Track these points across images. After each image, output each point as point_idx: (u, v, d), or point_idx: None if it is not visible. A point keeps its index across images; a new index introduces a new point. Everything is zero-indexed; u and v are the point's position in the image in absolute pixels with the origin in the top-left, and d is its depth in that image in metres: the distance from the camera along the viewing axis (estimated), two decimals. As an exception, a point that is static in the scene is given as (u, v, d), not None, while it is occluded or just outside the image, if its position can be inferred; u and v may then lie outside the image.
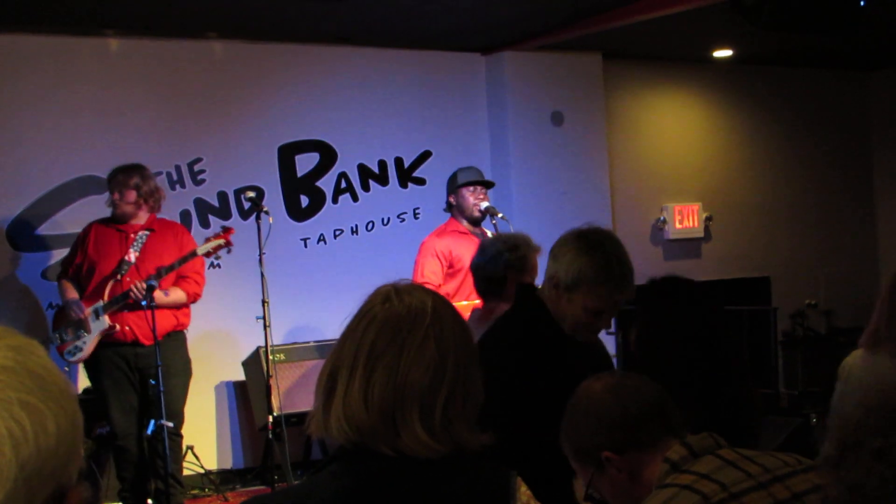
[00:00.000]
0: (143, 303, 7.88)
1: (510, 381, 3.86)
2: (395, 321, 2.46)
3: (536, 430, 3.58)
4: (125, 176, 8.21)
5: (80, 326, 8.09)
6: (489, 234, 8.30)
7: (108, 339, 8.07)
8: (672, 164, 12.26)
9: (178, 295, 8.20)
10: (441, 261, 8.24)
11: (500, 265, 5.73)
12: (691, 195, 12.32)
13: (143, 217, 8.28)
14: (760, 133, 12.88)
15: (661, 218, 12.11)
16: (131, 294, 7.93)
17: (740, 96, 12.74)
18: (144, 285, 7.89)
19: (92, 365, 8.26)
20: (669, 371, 3.34)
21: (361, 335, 2.46)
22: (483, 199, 8.46)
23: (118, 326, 8.04)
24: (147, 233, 8.23)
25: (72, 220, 8.96)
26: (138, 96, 9.57)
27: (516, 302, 4.39)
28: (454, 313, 2.54)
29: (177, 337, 8.30)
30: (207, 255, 8.14)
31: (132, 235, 8.21)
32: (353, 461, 2.42)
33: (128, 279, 8.07)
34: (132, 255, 8.14)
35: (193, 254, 8.07)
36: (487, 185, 8.69)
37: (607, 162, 11.46)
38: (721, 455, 2.87)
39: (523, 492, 2.48)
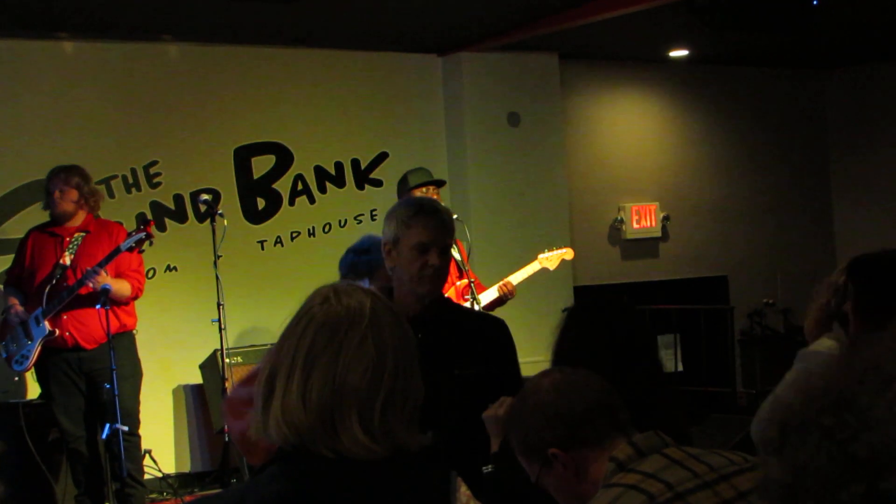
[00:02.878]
0: (98, 305, 7.84)
1: None
2: (334, 322, 2.45)
3: None
4: (66, 174, 8.17)
5: (24, 335, 8.06)
6: None
7: (51, 344, 8.03)
8: (629, 164, 12.28)
9: (123, 285, 8.14)
10: None
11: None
12: (648, 195, 12.35)
13: (79, 219, 8.23)
14: (717, 132, 12.93)
15: (619, 218, 12.14)
16: (88, 282, 7.87)
17: (697, 96, 12.79)
18: (97, 279, 7.84)
19: (39, 371, 8.23)
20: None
21: (299, 336, 2.45)
22: (437, 199, 8.44)
23: (58, 332, 8.00)
24: (82, 235, 8.19)
25: (23, 225, 8.89)
26: (92, 99, 9.53)
27: None
28: (393, 314, 2.53)
29: (123, 338, 8.23)
30: (131, 249, 8.07)
31: (67, 238, 8.17)
32: (292, 463, 2.40)
33: (64, 284, 8.03)
34: (67, 258, 8.10)
35: (117, 250, 7.99)
36: (438, 183, 8.67)
37: (564, 162, 11.48)
38: (667, 454, 2.86)
39: (463, 492, 2.48)
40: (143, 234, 7.99)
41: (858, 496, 1.24)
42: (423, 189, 8.47)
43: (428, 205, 4.36)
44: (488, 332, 4.48)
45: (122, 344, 8.17)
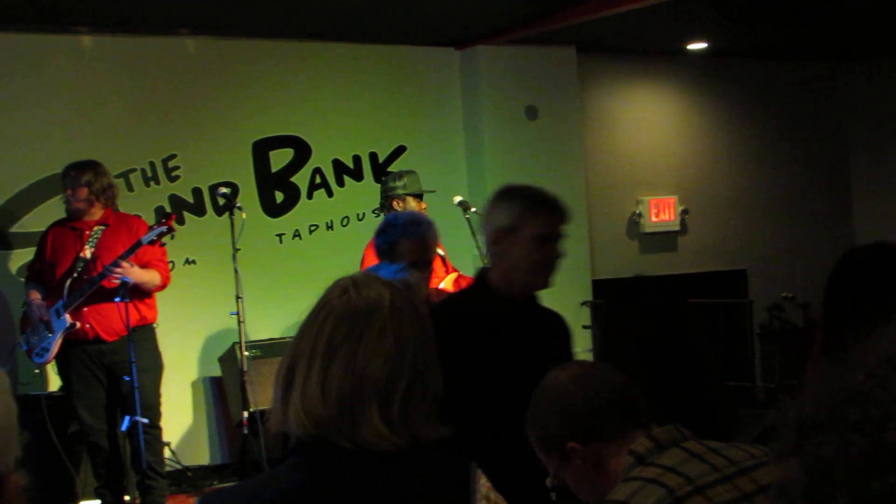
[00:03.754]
0: (118, 298, 7.86)
1: None
2: (353, 313, 2.45)
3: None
4: (77, 173, 8.21)
5: (45, 328, 8.08)
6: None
7: (71, 336, 8.06)
8: (648, 158, 12.26)
9: (153, 275, 8.18)
10: None
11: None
12: (667, 188, 12.33)
13: (97, 213, 8.26)
14: (736, 126, 12.90)
15: (637, 211, 12.12)
16: (111, 274, 7.90)
17: (715, 89, 12.75)
18: (118, 273, 7.88)
19: (60, 364, 8.25)
20: (634, 374, 3.32)
21: (319, 328, 2.46)
22: (425, 207, 8.49)
23: (79, 324, 8.02)
24: (102, 228, 8.21)
25: (44, 218, 8.92)
26: (112, 94, 9.55)
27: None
28: (413, 305, 2.53)
29: (143, 331, 8.26)
30: (152, 243, 8.09)
31: (87, 232, 8.20)
32: (311, 454, 2.41)
33: (85, 277, 8.06)
34: (87, 252, 8.13)
35: (138, 243, 8.02)
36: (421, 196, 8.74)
37: (582, 155, 11.47)
38: (687, 447, 2.86)
39: (483, 483, 2.48)
40: (164, 228, 8.03)
41: (893, 484, 1.23)
42: (417, 200, 8.50)
43: (550, 196, 4.27)
44: (561, 325, 4.48)
45: (143, 337, 8.19)
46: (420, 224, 5.52)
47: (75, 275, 8.08)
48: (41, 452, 8.29)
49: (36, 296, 8.22)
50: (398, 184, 8.62)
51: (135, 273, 7.96)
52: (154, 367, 8.36)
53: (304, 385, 2.41)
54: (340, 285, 2.53)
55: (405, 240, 5.41)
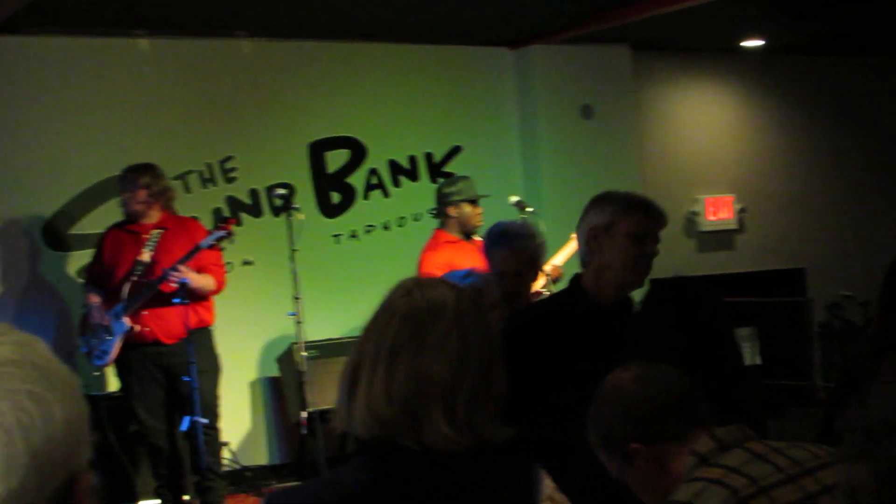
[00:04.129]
0: (177, 300, 7.91)
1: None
2: (417, 315, 2.45)
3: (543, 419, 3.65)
4: (135, 175, 8.24)
5: (104, 331, 8.14)
6: (479, 241, 8.44)
7: (131, 339, 8.11)
8: (704, 156, 12.21)
9: (207, 280, 8.22)
10: (444, 272, 8.30)
11: None
12: (724, 186, 12.27)
13: (155, 216, 8.30)
14: (793, 123, 12.81)
15: (694, 210, 12.06)
16: (171, 277, 7.95)
17: (772, 86, 12.67)
18: (177, 277, 7.93)
19: (119, 366, 8.30)
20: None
21: (383, 329, 2.46)
22: (480, 212, 8.54)
23: (138, 327, 8.07)
24: (160, 231, 8.25)
25: (104, 220, 8.98)
26: (169, 96, 9.62)
27: None
28: (477, 307, 2.54)
29: (201, 334, 8.30)
30: (212, 247, 8.13)
31: (145, 235, 8.24)
32: (376, 455, 2.42)
33: (143, 280, 8.11)
34: (146, 255, 8.17)
35: (197, 248, 8.07)
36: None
37: (638, 154, 11.43)
38: (750, 448, 2.84)
39: (547, 484, 2.48)
40: (223, 233, 8.07)
41: None
42: (472, 205, 8.55)
43: (646, 198, 4.35)
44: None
45: (201, 339, 8.23)
46: (513, 236, 5.53)
47: (134, 278, 8.13)
48: (100, 453, 8.34)
49: (95, 299, 8.27)
50: (452, 189, 8.67)
51: (192, 277, 8.01)
52: (212, 368, 8.40)
53: (369, 386, 2.42)
54: (404, 286, 2.53)
55: (496, 249, 5.47)
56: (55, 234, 9.19)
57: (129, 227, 8.33)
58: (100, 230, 8.64)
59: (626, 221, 4.17)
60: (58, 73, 9.21)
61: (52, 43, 9.20)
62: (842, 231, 12.91)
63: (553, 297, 4.81)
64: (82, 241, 9.16)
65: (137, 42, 9.55)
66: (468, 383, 2.42)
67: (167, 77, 9.63)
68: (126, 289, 8.10)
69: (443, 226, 8.64)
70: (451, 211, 8.55)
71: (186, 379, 7.98)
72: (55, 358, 1.54)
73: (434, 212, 8.89)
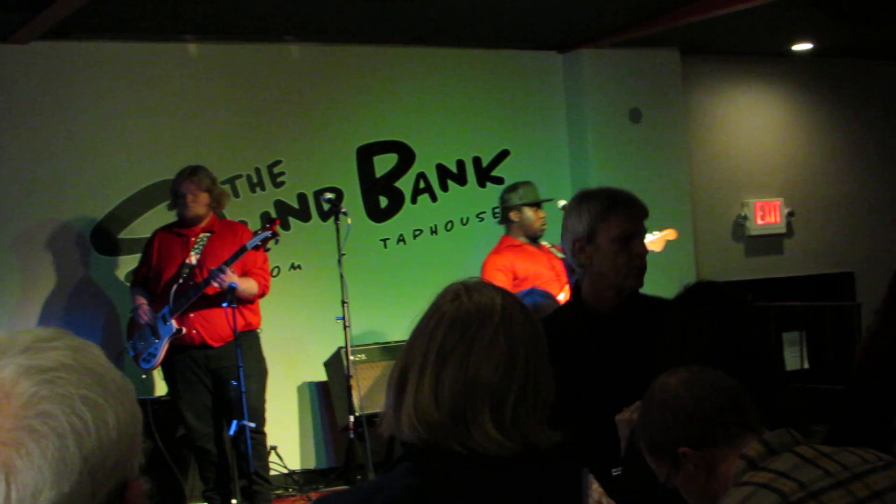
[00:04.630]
0: (225, 304, 7.95)
1: None
2: (465, 319, 2.45)
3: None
4: (199, 178, 8.27)
5: (151, 333, 8.18)
6: (546, 245, 8.48)
7: (178, 342, 8.15)
8: (752, 160, 12.15)
9: (250, 283, 8.24)
10: (506, 274, 8.34)
11: None
12: (772, 190, 12.21)
13: (205, 219, 8.36)
14: (842, 126, 12.73)
15: (742, 214, 12.01)
16: (214, 281, 8.00)
17: (821, 90, 12.60)
18: (223, 278, 7.96)
19: (166, 369, 8.35)
20: None
21: (431, 333, 2.46)
22: (543, 216, 8.61)
23: (185, 330, 8.11)
24: (207, 235, 8.29)
25: (153, 223, 9.04)
26: (217, 100, 9.65)
27: None
28: (524, 310, 2.52)
29: (248, 337, 8.32)
30: (257, 248, 8.16)
31: (193, 239, 8.28)
32: (424, 460, 2.41)
33: (190, 283, 8.15)
34: (193, 258, 8.21)
35: (243, 249, 8.09)
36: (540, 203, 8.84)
37: (687, 158, 11.40)
38: (799, 452, 2.83)
39: (595, 489, 2.47)
40: (268, 233, 8.08)
41: None
42: (534, 209, 8.61)
43: (622, 193, 4.13)
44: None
45: (248, 342, 8.25)
46: None
47: (181, 280, 8.17)
48: (148, 458, 8.38)
49: (142, 301, 8.32)
50: (513, 195, 8.76)
51: (236, 280, 8.02)
52: (259, 372, 8.42)
53: (417, 390, 2.41)
54: (452, 290, 2.53)
55: None
56: (105, 238, 9.24)
57: (176, 230, 8.38)
58: (147, 235, 8.70)
59: (606, 226, 3.99)
60: (107, 78, 9.26)
61: (102, 48, 9.25)
62: (891, 235, 12.81)
63: (558, 309, 4.62)
64: (132, 246, 9.21)
65: (186, 47, 9.60)
66: (516, 387, 2.41)
67: (216, 82, 9.67)
68: (173, 291, 8.14)
69: (508, 230, 8.75)
70: (513, 216, 8.68)
71: (234, 383, 8.01)
72: (110, 363, 1.55)
73: (498, 218, 8.96)
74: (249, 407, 8.07)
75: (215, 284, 7.99)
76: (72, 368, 1.47)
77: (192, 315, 8.16)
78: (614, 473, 3.36)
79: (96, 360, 1.52)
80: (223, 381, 8.22)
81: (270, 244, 8.19)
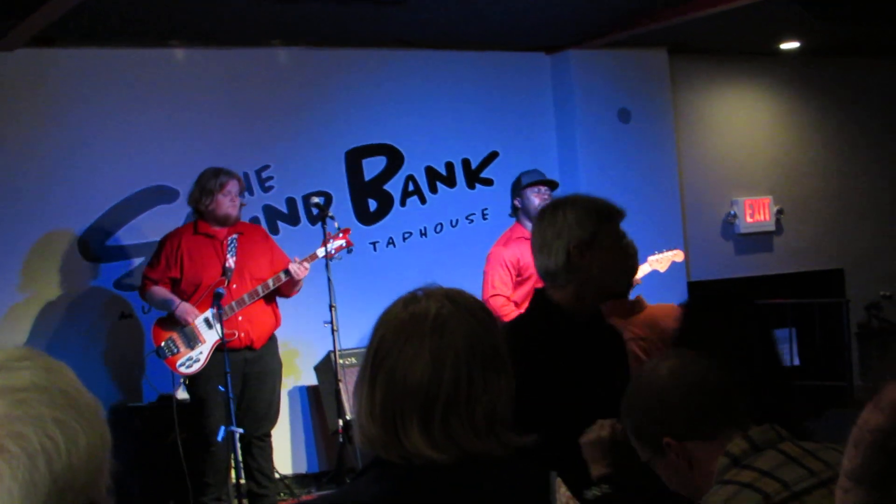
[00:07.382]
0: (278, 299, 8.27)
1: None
2: (397, 328, 2.44)
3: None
4: (237, 179, 8.33)
5: (192, 337, 8.12)
6: None
7: (222, 347, 7.98)
8: (742, 158, 12.16)
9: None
10: (510, 270, 8.33)
11: None
12: (762, 188, 12.22)
13: (235, 220, 8.38)
14: (830, 124, 12.75)
15: (732, 212, 12.02)
16: (293, 274, 8.15)
17: (809, 88, 12.62)
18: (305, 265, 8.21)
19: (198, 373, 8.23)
20: None
21: (369, 345, 2.48)
22: (548, 199, 8.46)
23: (237, 333, 8.07)
24: (235, 236, 8.27)
25: (142, 230, 9.04)
26: (205, 105, 9.63)
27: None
28: (464, 318, 2.46)
29: (274, 337, 8.44)
30: (328, 256, 8.18)
31: (224, 241, 8.25)
32: (380, 468, 2.41)
33: (234, 286, 8.13)
34: (231, 261, 8.16)
35: (313, 256, 8.38)
36: (552, 184, 8.73)
37: (676, 158, 11.41)
38: (783, 450, 2.83)
39: (563, 493, 2.45)
40: (342, 242, 8.37)
41: None
42: (536, 189, 8.54)
43: (602, 198, 4.21)
44: (621, 343, 4.29)
45: (273, 342, 8.43)
46: None
47: (225, 284, 8.14)
48: (156, 457, 8.41)
49: (182, 301, 8.17)
50: (516, 182, 8.72)
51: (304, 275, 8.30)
52: (281, 372, 8.56)
53: (359, 402, 2.42)
54: (401, 299, 2.52)
55: None
56: (92, 246, 9.20)
57: (204, 233, 8.31)
58: (135, 241, 8.67)
59: (608, 227, 4.04)
60: (93, 84, 9.24)
61: (88, 55, 9.22)
62: (880, 232, 12.84)
63: (525, 316, 4.40)
64: (119, 253, 9.19)
65: (173, 52, 9.59)
66: (443, 397, 2.37)
67: (202, 87, 9.65)
68: (218, 295, 8.03)
69: (517, 220, 8.69)
70: (517, 202, 8.62)
71: (221, 389, 7.93)
72: (82, 385, 1.55)
73: (488, 219, 8.95)
74: (273, 409, 8.34)
75: (296, 277, 8.16)
76: (44, 389, 1.47)
77: (240, 317, 8.15)
78: (587, 496, 3.31)
79: (69, 381, 1.52)
80: (249, 385, 8.23)
81: (340, 255, 8.55)
